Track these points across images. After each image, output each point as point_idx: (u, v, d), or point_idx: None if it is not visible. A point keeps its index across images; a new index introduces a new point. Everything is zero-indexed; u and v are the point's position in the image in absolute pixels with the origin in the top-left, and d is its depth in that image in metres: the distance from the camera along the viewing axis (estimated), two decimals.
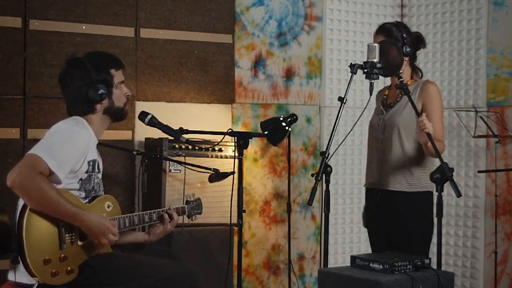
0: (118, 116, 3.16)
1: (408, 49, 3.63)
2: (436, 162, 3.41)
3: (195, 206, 3.50)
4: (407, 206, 3.61)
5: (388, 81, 4.01)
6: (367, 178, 3.86)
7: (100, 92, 3.04)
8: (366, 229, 3.90)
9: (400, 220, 3.62)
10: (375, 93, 3.70)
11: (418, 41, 3.75)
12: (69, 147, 2.89)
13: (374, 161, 3.77)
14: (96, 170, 3.09)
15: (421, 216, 3.63)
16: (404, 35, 3.66)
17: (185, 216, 3.46)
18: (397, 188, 3.64)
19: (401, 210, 3.62)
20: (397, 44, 3.58)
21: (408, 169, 3.62)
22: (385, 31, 3.71)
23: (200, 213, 3.55)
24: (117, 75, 3.13)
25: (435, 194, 3.31)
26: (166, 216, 3.27)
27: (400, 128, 3.62)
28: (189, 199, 3.51)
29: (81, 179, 3.00)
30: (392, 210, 3.66)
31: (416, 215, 3.62)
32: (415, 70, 3.78)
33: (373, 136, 3.81)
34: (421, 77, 3.79)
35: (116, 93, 3.11)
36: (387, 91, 3.84)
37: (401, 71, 3.57)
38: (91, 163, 3.02)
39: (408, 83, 3.68)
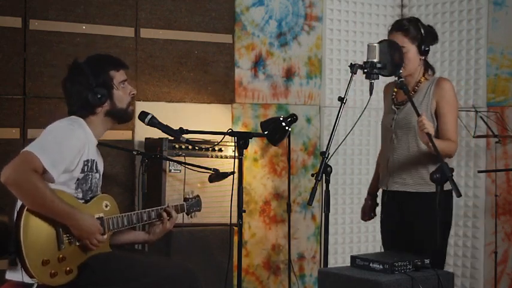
0: (121, 117, 3.16)
1: (427, 48, 3.60)
2: (450, 160, 3.40)
3: (194, 203, 3.49)
4: (425, 206, 3.50)
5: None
6: (383, 178, 3.78)
7: (99, 96, 3.05)
8: (365, 229, 3.88)
9: (415, 221, 3.56)
10: (376, 91, 3.63)
11: (431, 37, 3.67)
12: (63, 146, 2.90)
13: (386, 162, 3.70)
14: (94, 170, 3.09)
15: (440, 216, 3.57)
16: (422, 31, 3.60)
17: (184, 214, 3.46)
18: (417, 189, 3.58)
19: (418, 211, 3.55)
20: (399, 45, 3.56)
21: (426, 169, 3.53)
22: (402, 29, 3.61)
23: (199, 210, 3.54)
24: (118, 76, 3.14)
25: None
26: (165, 214, 3.27)
27: (416, 127, 3.49)
28: (187, 196, 3.51)
29: (77, 179, 3.00)
30: (410, 211, 3.60)
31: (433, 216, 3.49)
32: (428, 67, 3.69)
33: (385, 136, 3.75)
34: (433, 74, 3.71)
35: (117, 94, 3.11)
36: (395, 88, 3.75)
37: (400, 72, 3.54)
38: (86, 163, 3.02)
39: (421, 79, 3.64)
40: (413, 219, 3.59)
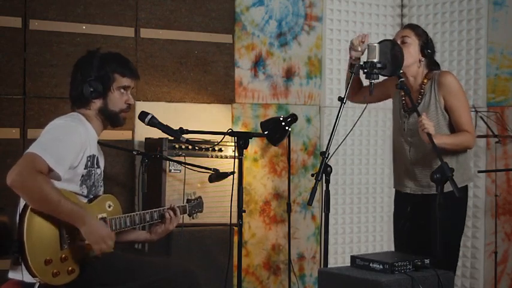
0: (111, 120, 3.13)
1: (429, 50, 3.65)
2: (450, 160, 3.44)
3: (196, 204, 3.50)
4: (449, 204, 3.38)
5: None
6: (401, 181, 3.78)
7: (91, 89, 3.05)
8: (365, 229, 3.88)
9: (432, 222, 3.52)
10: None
11: (433, 47, 3.74)
12: (66, 143, 2.90)
13: (406, 165, 3.71)
14: (95, 166, 3.09)
15: (458, 211, 3.60)
16: (427, 35, 3.70)
17: (186, 215, 3.47)
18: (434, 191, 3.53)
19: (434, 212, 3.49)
20: (399, 45, 3.56)
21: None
22: (411, 26, 3.75)
23: (201, 211, 3.54)
24: (120, 81, 3.10)
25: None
26: (167, 214, 3.27)
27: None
28: (189, 197, 3.52)
29: (82, 175, 3.00)
30: (425, 213, 3.59)
31: (456, 211, 3.54)
32: (431, 71, 3.70)
33: (399, 139, 3.75)
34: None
35: (111, 96, 3.09)
36: (403, 91, 3.70)
37: (401, 72, 3.54)
38: (89, 158, 3.03)
39: (424, 81, 3.66)
40: (430, 220, 3.56)
